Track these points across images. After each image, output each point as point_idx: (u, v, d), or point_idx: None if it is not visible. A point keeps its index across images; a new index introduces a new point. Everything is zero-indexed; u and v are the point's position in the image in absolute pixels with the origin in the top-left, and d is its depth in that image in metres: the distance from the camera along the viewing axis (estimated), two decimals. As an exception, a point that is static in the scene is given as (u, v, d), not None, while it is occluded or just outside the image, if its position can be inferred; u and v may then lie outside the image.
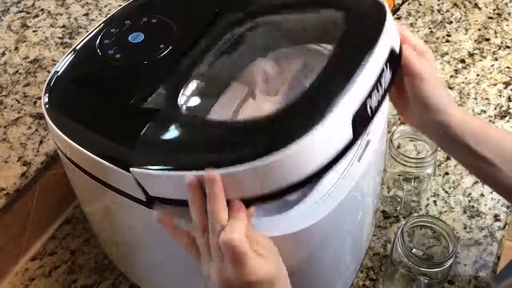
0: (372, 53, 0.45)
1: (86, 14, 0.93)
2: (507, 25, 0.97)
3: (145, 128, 0.46)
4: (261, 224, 0.50)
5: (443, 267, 0.58)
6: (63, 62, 0.56)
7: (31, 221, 0.72)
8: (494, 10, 1.00)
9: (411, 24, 0.98)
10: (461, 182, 0.75)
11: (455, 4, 1.02)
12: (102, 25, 0.58)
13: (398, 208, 0.72)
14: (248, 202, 0.43)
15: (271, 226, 0.48)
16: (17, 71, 0.83)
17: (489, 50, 0.93)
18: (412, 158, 0.66)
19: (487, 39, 0.95)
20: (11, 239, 0.70)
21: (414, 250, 0.60)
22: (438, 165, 0.77)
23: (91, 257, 0.72)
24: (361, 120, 0.44)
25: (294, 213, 0.49)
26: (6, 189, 0.69)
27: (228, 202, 0.42)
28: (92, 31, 0.58)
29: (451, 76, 0.89)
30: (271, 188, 0.41)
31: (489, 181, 0.58)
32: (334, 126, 0.41)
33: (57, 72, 0.56)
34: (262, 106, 0.64)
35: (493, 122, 0.82)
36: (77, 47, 0.57)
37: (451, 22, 0.98)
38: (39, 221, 0.73)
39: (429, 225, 0.61)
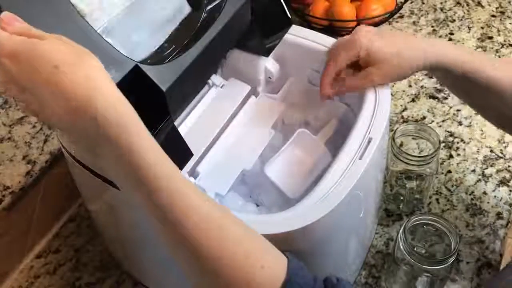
0: None
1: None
2: (510, 23, 0.97)
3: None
4: (263, 221, 0.50)
5: (445, 265, 0.58)
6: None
7: (36, 219, 0.73)
8: (497, 8, 1.00)
9: (414, 23, 0.98)
10: (464, 180, 0.75)
11: (458, 3, 1.02)
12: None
13: (401, 206, 0.72)
14: None
15: (273, 224, 0.49)
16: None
17: (492, 48, 0.93)
18: (415, 156, 0.66)
19: (490, 37, 0.95)
20: (16, 237, 0.70)
21: (416, 247, 0.60)
22: (441, 163, 0.77)
23: (95, 255, 0.72)
24: None
25: (296, 211, 0.49)
26: (11, 188, 0.69)
27: None
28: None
29: (453, 75, 0.89)
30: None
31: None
32: None
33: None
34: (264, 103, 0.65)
35: (496, 120, 0.82)
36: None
37: (454, 20, 0.98)
38: (44, 219, 0.74)
39: (432, 223, 0.61)
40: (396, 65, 0.57)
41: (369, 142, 0.54)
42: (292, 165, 0.60)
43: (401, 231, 0.58)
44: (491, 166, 0.77)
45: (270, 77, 0.66)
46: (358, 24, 0.94)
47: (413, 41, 0.59)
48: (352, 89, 0.59)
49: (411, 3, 1.02)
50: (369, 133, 0.54)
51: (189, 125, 0.61)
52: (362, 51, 0.57)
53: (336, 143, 0.58)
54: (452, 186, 0.75)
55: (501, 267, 0.69)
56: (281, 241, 0.49)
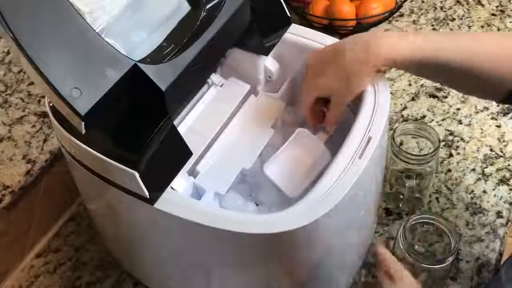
0: None
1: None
2: (510, 22, 0.97)
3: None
4: (263, 220, 0.50)
5: (445, 264, 0.58)
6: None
7: (36, 219, 0.73)
8: (497, 7, 1.00)
9: (414, 22, 0.98)
10: (464, 179, 0.75)
11: (458, 1, 1.02)
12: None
13: (401, 205, 0.72)
14: None
15: (273, 223, 0.49)
16: (21, 70, 0.84)
17: (492, 47, 0.93)
18: (414, 155, 0.66)
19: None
20: (16, 236, 0.71)
21: (416, 246, 0.60)
22: (441, 162, 0.77)
23: (95, 254, 0.72)
24: None
25: (296, 210, 0.49)
26: (11, 187, 0.69)
27: None
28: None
29: (453, 73, 0.89)
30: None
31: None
32: None
33: (60, 70, 0.56)
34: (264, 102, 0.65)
35: (496, 119, 0.82)
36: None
37: (454, 19, 0.98)
38: (44, 219, 0.74)
39: (431, 222, 0.61)
40: (349, 87, 0.57)
41: (368, 141, 0.53)
42: (292, 164, 0.60)
43: (401, 230, 0.58)
44: (491, 165, 0.77)
45: (269, 76, 0.66)
46: (358, 23, 0.94)
47: (359, 54, 0.56)
48: (331, 123, 0.60)
49: (411, 1, 1.02)
50: (368, 132, 0.54)
51: (189, 124, 0.61)
52: (318, 93, 0.59)
53: (336, 142, 0.58)
54: (452, 185, 0.75)
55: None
56: (281, 241, 0.49)
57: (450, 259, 0.58)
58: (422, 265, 0.58)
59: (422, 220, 0.61)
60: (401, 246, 0.58)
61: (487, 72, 0.55)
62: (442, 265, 0.58)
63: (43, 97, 0.79)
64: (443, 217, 0.60)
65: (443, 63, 0.55)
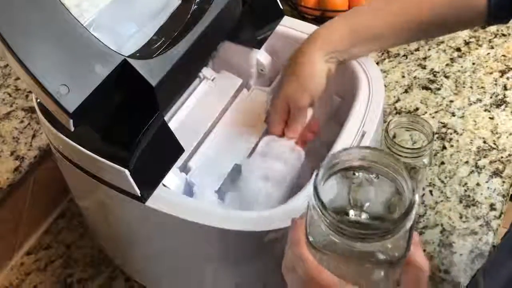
0: None
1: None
2: None
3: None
4: (257, 218, 0.49)
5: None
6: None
7: (26, 216, 0.72)
8: None
9: (407, 12, 0.97)
10: (457, 172, 0.75)
11: (451, -8, 1.01)
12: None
13: (394, 199, 0.72)
14: None
15: (267, 220, 0.48)
16: (8, 64, 0.82)
17: (485, 38, 0.92)
18: (408, 148, 0.66)
19: (483, 27, 0.94)
20: (6, 234, 0.69)
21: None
22: (434, 155, 0.77)
23: (86, 251, 0.71)
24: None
25: (290, 206, 0.49)
26: (-1, 184, 0.68)
27: None
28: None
29: (446, 65, 0.88)
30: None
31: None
32: None
33: (48, 65, 0.55)
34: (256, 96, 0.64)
35: (489, 111, 0.82)
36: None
37: (447, 10, 0.98)
38: (34, 216, 0.73)
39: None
40: (300, 85, 0.56)
41: (363, 135, 0.53)
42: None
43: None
44: (484, 157, 0.77)
45: (262, 70, 0.65)
46: (350, 14, 0.93)
47: (307, 60, 0.57)
48: (295, 132, 0.58)
49: (404, -8, 1.01)
50: (363, 127, 0.54)
51: (180, 119, 0.60)
52: (278, 103, 0.58)
53: (330, 137, 0.58)
54: (446, 177, 0.75)
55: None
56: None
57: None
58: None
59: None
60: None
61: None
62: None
63: (31, 92, 0.78)
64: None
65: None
